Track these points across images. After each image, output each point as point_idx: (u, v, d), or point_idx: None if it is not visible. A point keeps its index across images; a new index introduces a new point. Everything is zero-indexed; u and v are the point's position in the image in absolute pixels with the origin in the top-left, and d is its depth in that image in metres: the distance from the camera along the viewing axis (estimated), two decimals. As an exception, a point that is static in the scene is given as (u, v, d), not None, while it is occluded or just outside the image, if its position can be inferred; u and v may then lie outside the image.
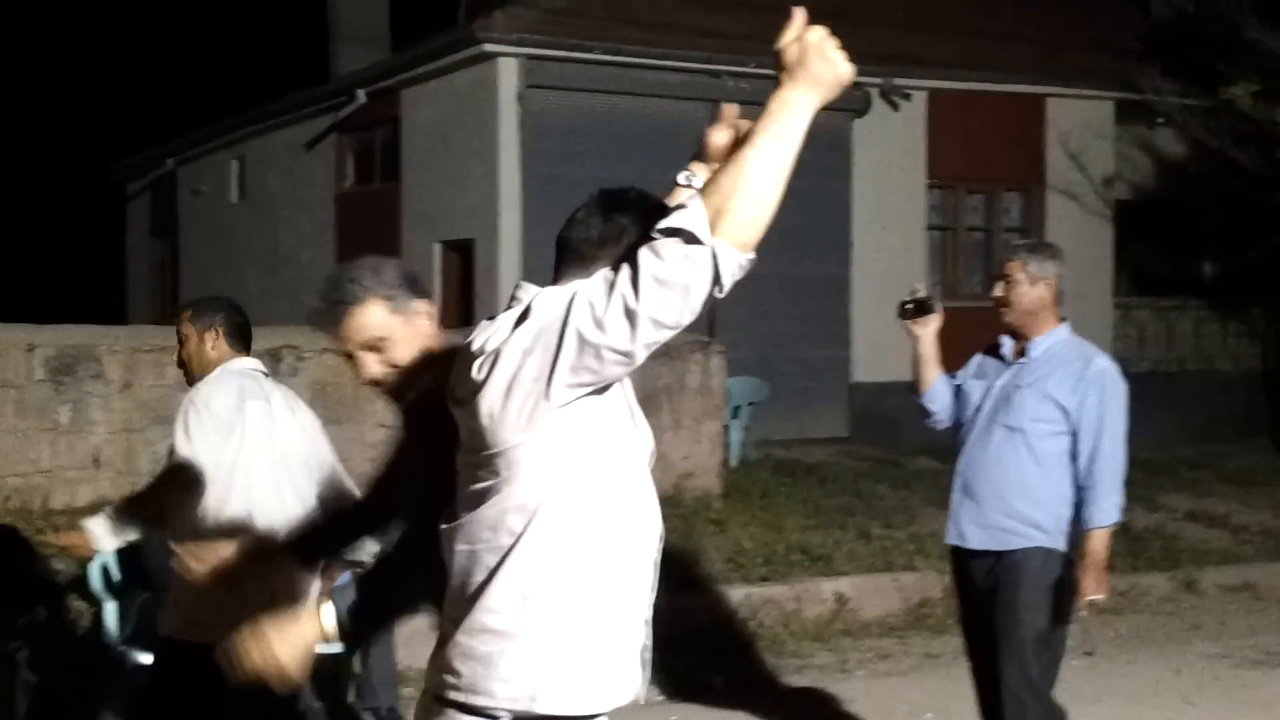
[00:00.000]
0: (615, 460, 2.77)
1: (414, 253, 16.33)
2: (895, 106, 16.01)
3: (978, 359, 5.33)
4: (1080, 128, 16.91)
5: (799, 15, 2.57)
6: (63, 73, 30.24)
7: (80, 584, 6.91)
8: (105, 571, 6.31)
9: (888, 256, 15.74)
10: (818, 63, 2.52)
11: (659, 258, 2.48)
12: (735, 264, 2.50)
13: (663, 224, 2.50)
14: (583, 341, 2.55)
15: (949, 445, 5.38)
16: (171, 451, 4.63)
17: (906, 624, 8.71)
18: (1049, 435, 4.99)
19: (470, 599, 2.76)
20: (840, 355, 15.78)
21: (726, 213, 2.49)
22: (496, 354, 2.66)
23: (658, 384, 10.95)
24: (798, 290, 15.28)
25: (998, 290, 5.13)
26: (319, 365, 9.49)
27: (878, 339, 14.95)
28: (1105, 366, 5.04)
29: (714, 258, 2.47)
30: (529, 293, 2.76)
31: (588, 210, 2.82)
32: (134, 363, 9.34)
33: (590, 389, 2.64)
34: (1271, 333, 18.41)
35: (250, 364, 4.82)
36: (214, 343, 4.76)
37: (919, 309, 5.19)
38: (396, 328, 3.05)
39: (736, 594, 8.57)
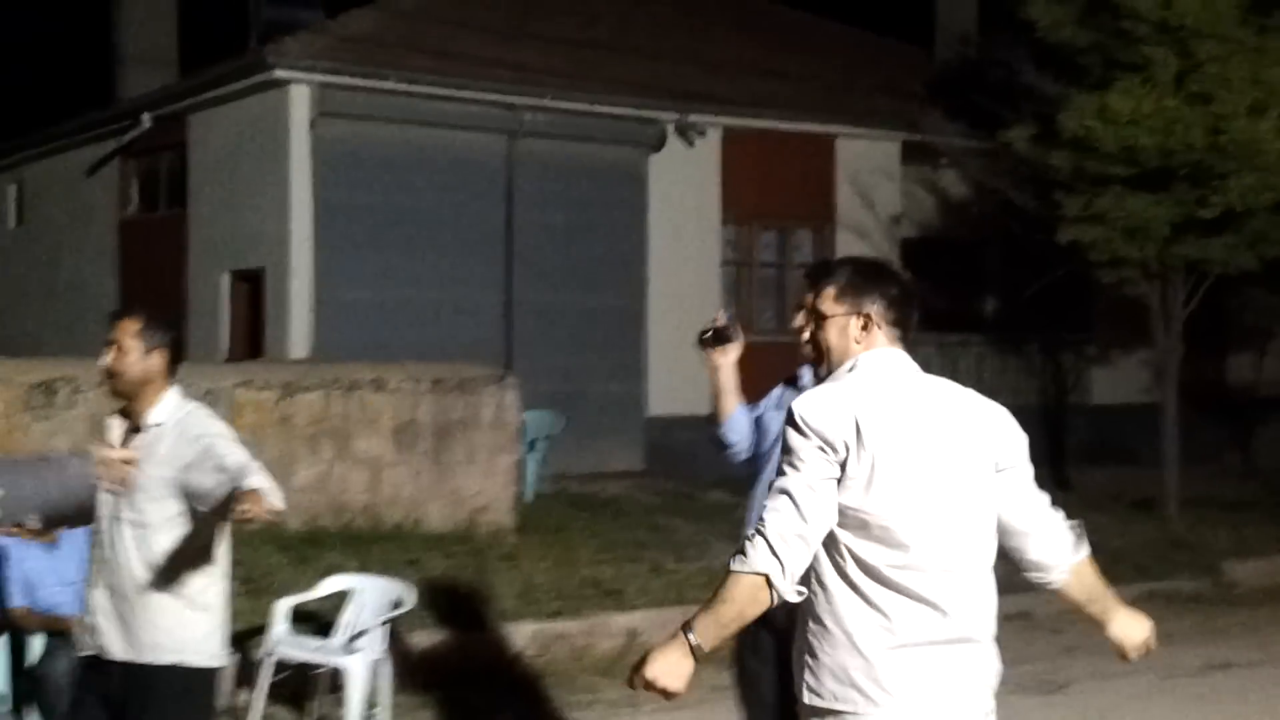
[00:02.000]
0: None
1: (202, 282, 15.89)
2: (690, 143, 16.16)
3: (779, 390, 5.28)
4: (868, 167, 17.33)
5: None
6: None
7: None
8: None
9: (683, 291, 15.83)
10: None
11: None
12: None
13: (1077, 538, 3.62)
14: None
15: (743, 479, 5.35)
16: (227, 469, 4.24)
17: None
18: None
19: None
20: (635, 389, 15.83)
21: None
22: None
23: (451, 417, 10.81)
24: (593, 324, 15.30)
25: (798, 320, 5.12)
26: (97, 399, 9.13)
27: (673, 373, 15.04)
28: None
29: None
30: None
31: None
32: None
33: None
34: (1049, 368, 19.07)
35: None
36: (163, 365, 4.40)
37: (718, 337, 5.12)
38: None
39: (527, 629, 8.49)
